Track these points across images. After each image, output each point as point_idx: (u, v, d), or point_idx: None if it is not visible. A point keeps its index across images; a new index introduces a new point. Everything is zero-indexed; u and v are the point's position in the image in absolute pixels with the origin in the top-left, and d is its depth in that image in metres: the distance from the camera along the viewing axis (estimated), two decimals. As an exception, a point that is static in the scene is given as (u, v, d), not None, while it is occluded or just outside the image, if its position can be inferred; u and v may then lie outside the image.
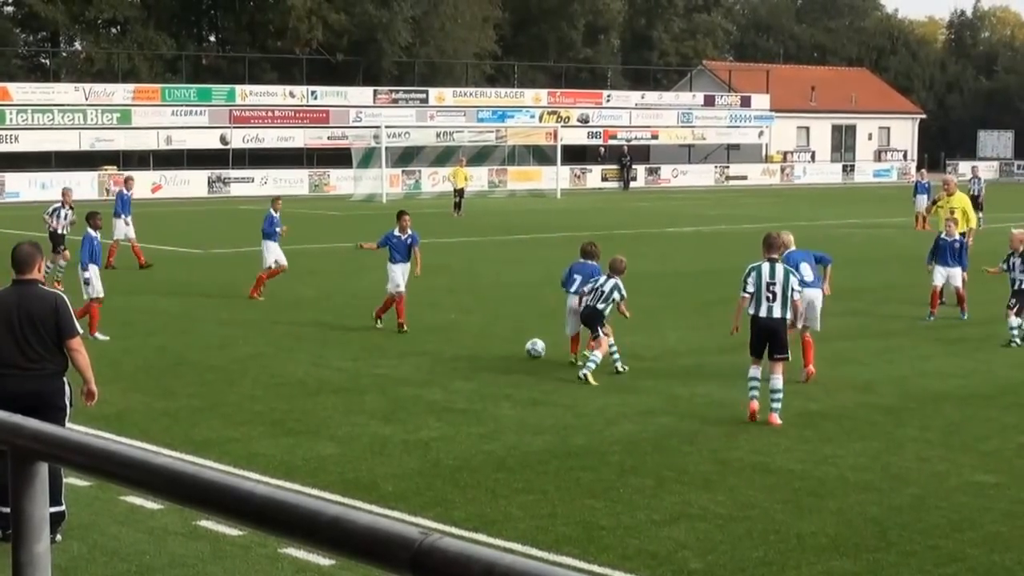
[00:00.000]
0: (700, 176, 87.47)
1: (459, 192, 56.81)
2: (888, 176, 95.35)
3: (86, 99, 71.01)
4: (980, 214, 41.29)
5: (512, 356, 20.54)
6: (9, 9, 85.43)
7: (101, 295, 22.39)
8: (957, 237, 25.22)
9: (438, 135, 78.61)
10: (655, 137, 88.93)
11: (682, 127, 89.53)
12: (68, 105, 70.22)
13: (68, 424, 10.89)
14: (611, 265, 19.54)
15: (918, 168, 72.78)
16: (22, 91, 70.52)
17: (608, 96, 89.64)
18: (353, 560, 2.63)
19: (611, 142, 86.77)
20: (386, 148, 69.78)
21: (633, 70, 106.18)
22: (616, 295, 19.19)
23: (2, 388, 10.92)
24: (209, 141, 73.68)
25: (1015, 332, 21.96)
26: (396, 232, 23.36)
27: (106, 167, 69.69)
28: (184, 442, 14.63)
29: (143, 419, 15.96)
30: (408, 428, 15.47)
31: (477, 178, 71.85)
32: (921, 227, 45.77)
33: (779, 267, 16.51)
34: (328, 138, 77.00)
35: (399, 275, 23.14)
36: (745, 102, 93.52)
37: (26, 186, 66.29)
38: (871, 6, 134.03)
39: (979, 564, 10.76)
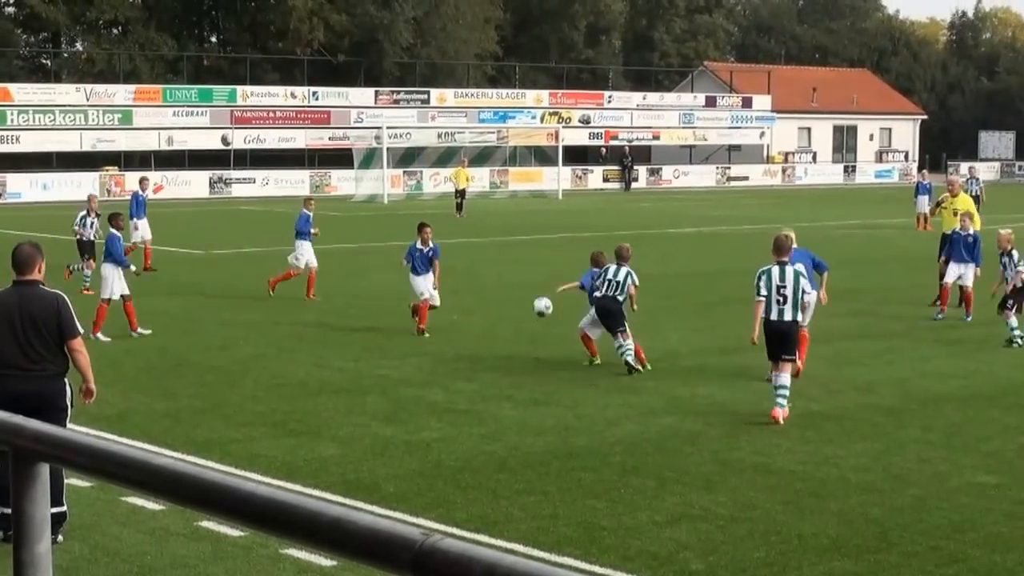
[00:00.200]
0: (701, 177, 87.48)
1: (461, 193, 56.81)
2: (889, 177, 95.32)
3: (87, 100, 71.03)
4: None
5: (514, 357, 20.55)
6: (10, 10, 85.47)
7: (111, 297, 22.32)
8: (972, 231, 25.22)
9: (439, 136, 78.63)
10: (656, 138, 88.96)
11: (683, 128, 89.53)
12: (69, 106, 70.24)
13: (69, 425, 10.90)
14: (618, 253, 19.65)
15: (919, 169, 72.77)
16: (23, 92, 70.54)
17: (609, 97, 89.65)
18: (354, 561, 2.63)
19: (612, 143, 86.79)
20: (387, 149, 69.77)
21: (634, 71, 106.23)
22: (630, 281, 19.43)
23: (3, 389, 10.92)
24: (210, 142, 73.71)
25: (1016, 332, 21.95)
26: (418, 244, 23.33)
27: (107, 168, 69.70)
28: (185, 443, 14.63)
29: (144, 420, 15.96)
30: (409, 429, 15.47)
31: (478, 179, 71.85)
32: (922, 228, 45.74)
33: (788, 269, 16.55)
34: (329, 139, 77.02)
35: (422, 285, 23.16)
36: (746, 103, 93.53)
37: (27, 187, 66.34)
38: (872, 7, 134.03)
39: (980, 565, 10.76)
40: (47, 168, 69.05)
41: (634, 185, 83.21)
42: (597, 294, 19.47)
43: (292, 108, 76.50)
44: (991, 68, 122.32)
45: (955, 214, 28.29)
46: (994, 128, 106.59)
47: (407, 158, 75.65)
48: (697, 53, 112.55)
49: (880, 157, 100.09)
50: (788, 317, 16.38)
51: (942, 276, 27.04)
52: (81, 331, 11.37)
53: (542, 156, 79.20)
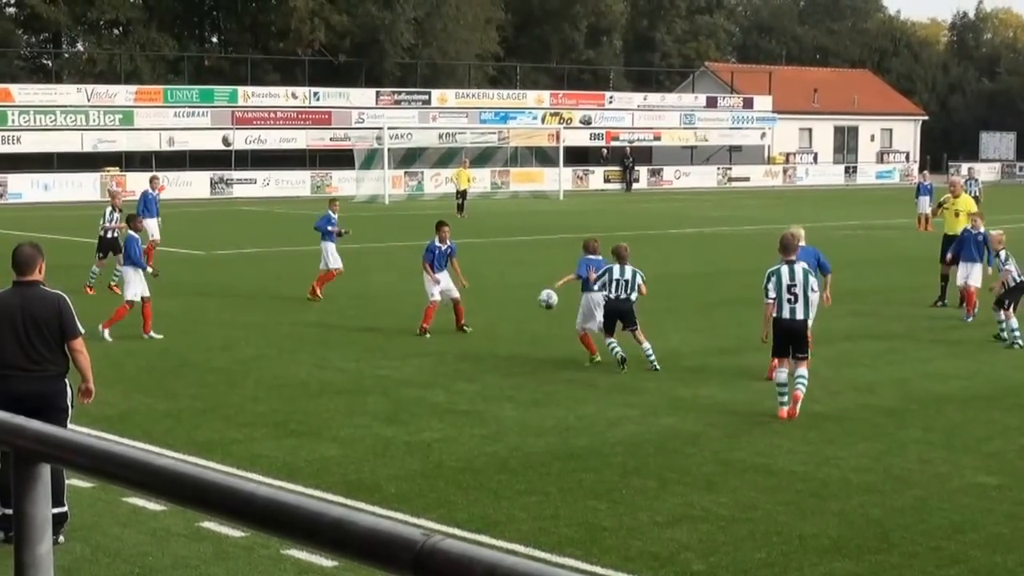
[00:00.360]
0: (702, 177, 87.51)
1: (462, 193, 56.80)
2: (890, 178, 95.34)
3: (88, 100, 71.04)
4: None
5: (515, 357, 20.56)
6: (11, 10, 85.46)
7: (132, 299, 22.41)
8: (982, 230, 25.27)
9: (440, 136, 78.66)
10: (657, 138, 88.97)
11: (684, 128, 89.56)
12: (70, 106, 70.25)
13: (70, 425, 10.89)
14: (619, 254, 19.76)
15: (920, 170, 72.77)
16: (24, 92, 70.54)
17: (610, 97, 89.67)
18: (355, 562, 2.63)
19: (613, 143, 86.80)
20: (388, 149, 69.79)
21: (635, 71, 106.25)
22: (640, 280, 19.66)
23: (5, 390, 10.92)
24: (211, 142, 73.74)
25: (1017, 334, 21.97)
26: (436, 243, 23.39)
27: (108, 168, 69.71)
28: (186, 443, 14.63)
29: (145, 420, 15.97)
30: (411, 430, 15.47)
31: (480, 179, 71.85)
32: (923, 228, 45.74)
33: (798, 268, 16.68)
34: (330, 139, 77.03)
35: (438, 284, 23.23)
36: (747, 103, 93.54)
37: (28, 187, 66.39)
38: (873, 8, 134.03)
39: (981, 566, 10.76)
40: (48, 169, 69.06)
41: (635, 186, 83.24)
42: (607, 295, 19.53)
43: (293, 109, 76.52)
44: (992, 69, 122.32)
45: (956, 215, 28.33)
46: (995, 129, 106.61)
47: (408, 159, 75.68)
48: (698, 54, 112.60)
49: (881, 158, 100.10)
50: (800, 316, 16.53)
51: (944, 277, 27.08)
52: (83, 331, 11.37)
53: (543, 157, 79.19)
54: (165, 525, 11.45)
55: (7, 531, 10.81)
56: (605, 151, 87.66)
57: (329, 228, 27.84)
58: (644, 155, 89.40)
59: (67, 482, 11.07)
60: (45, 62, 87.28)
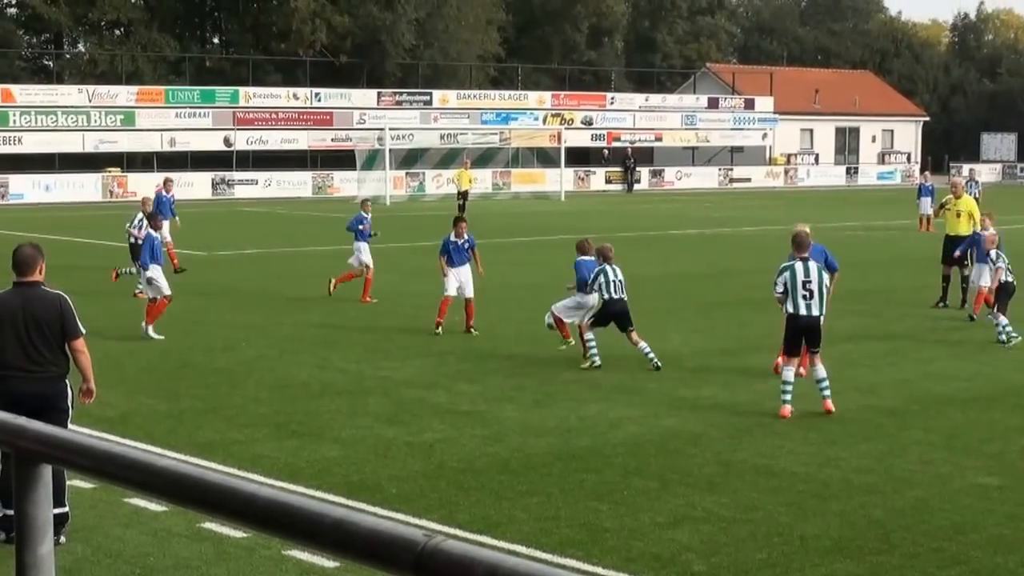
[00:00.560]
0: (704, 178, 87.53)
1: (463, 194, 56.81)
2: (892, 178, 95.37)
3: (89, 101, 71.07)
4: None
5: (516, 358, 20.56)
6: (12, 11, 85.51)
7: (168, 293, 22.70)
8: (992, 230, 25.30)
9: (442, 137, 78.68)
10: (659, 139, 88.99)
11: (686, 129, 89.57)
12: (72, 107, 70.29)
13: (71, 426, 10.89)
14: (605, 254, 19.91)
15: (922, 171, 72.76)
16: (26, 93, 70.59)
17: (612, 98, 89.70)
18: (357, 562, 2.63)
19: (615, 144, 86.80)
20: (390, 150, 69.81)
21: (637, 72, 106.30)
22: (623, 278, 19.86)
23: (6, 391, 10.92)
24: (213, 143, 73.77)
25: (1010, 329, 22.10)
26: (453, 237, 23.58)
27: (110, 169, 69.77)
28: (188, 444, 14.63)
29: (147, 421, 15.96)
30: (412, 430, 15.47)
31: (481, 180, 71.88)
32: (925, 229, 45.72)
33: (812, 265, 16.78)
34: (332, 140, 77.06)
35: (454, 279, 23.43)
36: (749, 104, 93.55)
37: (30, 188, 66.43)
38: (874, 8, 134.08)
39: (982, 566, 10.75)
40: (49, 169, 69.08)
41: (636, 187, 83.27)
42: (606, 296, 19.60)
43: (294, 109, 76.54)
44: (993, 70, 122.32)
45: (958, 216, 28.33)
46: (996, 130, 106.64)
47: (409, 159, 75.71)
48: (699, 55, 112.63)
49: (882, 159, 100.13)
50: (816, 312, 16.63)
51: (945, 278, 27.08)
52: (83, 331, 11.36)
53: (544, 158, 79.21)
54: (166, 526, 11.45)
55: (8, 532, 10.81)
56: (606, 152, 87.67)
57: (360, 228, 27.94)
58: (645, 156, 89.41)
59: (68, 483, 11.06)
60: (46, 63, 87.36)
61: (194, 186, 69.99)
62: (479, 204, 61.28)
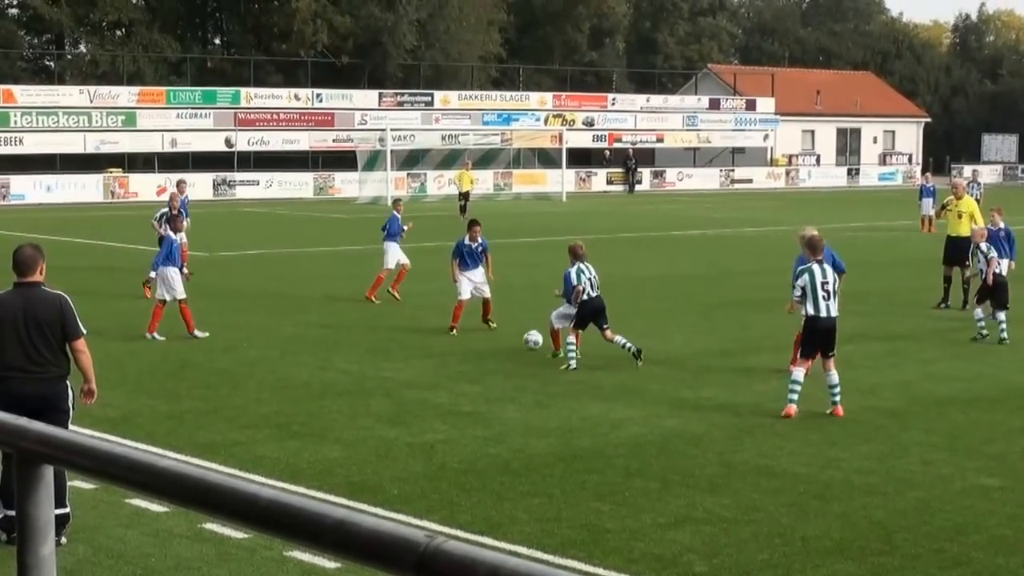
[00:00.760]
0: (705, 179, 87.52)
1: (464, 195, 56.81)
2: (893, 179, 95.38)
3: (91, 101, 71.06)
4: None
5: (517, 359, 20.56)
6: (14, 11, 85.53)
7: (183, 296, 22.60)
8: (1002, 226, 25.36)
9: (443, 138, 78.65)
10: (660, 140, 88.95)
11: (687, 130, 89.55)
12: (73, 107, 70.28)
13: (72, 427, 10.89)
14: (578, 253, 20.09)
15: (923, 172, 72.75)
16: (27, 93, 70.59)
17: (613, 99, 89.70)
18: (358, 563, 2.62)
19: (616, 145, 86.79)
20: (391, 151, 69.80)
21: (638, 73, 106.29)
22: (596, 275, 20.08)
23: (7, 391, 10.91)
24: (214, 144, 73.75)
25: (981, 324, 22.35)
26: (467, 241, 23.70)
27: (111, 170, 69.78)
28: (189, 445, 14.63)
29: (148, 422, 15.97)
30: (413, 431, 15.47)
31: (482, 181, 71.87)
32: (927, 230, 45.73)
33: (827, 267, 17.02)
34: (333, 141, 77.04)
35: (468, 283, 23.52)
36: (750, 105, 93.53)
37: (31, 188, 66.43)
38: (876, 10, 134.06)
39: (984, 567, 10.75)
40: (51, 170, 69.04)
41: (638, 187, 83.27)
42: (590, 294, 19.67)
43: (296, 110, 76.53)
44: (994, 71, 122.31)
45: (959, 216, 28.33)
46: (997, 131, 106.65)
47: (411, 160, 75.68)
48: (701, 55, 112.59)
49: (884, 160, 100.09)
50: (834, 313, 16.84)
51: (947, 279, 27.11)
52: (84, 332, 11.36)
53: (546, 158, 79.18)
54: (168, 526, 11.45)
55: (9, 532, 10.81)
56: (608, 153, 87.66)
57: (404, 229, 28.17)
58: (647, 157, 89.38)
59: (69, 483, 11.06)
60: (48, 63, 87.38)
61: (195, 187, 69.58)
62: (480, 205, 61.23)
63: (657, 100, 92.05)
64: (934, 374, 19.65)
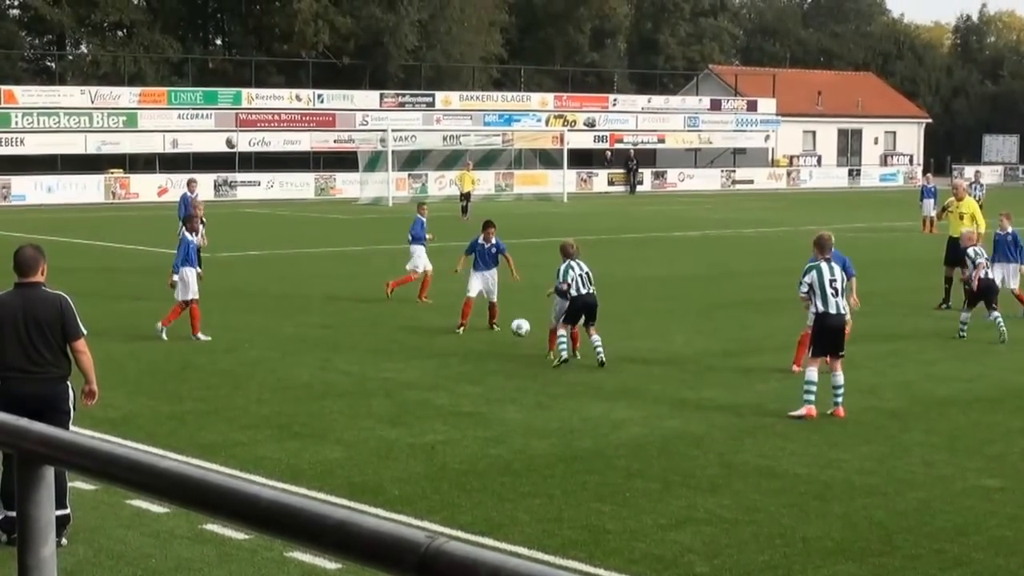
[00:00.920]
0: (706, 180, 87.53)
1: (466, 196, 56.80)
2: (894, 180, 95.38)
3: (92, 102, 71.07)
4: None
5: (518, 359, 20.56)
6: (15, 12, 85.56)
7: (196, 296, 22.60)
8: (1010, 231, 25.38)
9: (444, 139, 78.65)
10: (661, 141, 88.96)
11: (688, 131, 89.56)
12: (74, 108, 70.29)
13: (73, 428, 10.88)
14: (568, 251, 20.14)
15: (924, 172, 72.75)
16: (28, 94, 70.60)
17: (614, 100, 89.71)
18: (359, 564, 2.62)
19: (617, 146, 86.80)
20: (392, 152, 69.80)
21: (639, 74, 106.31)
22: (588, 271, 20.14)
23: (7, 392, 10.91)
24: (215, 144, 73.75)
25: (964, 328, 22.70)
26: (481, 240, 23.72)
27: (112, 170, 69.79)
28: (190, 446, 14.63)
29: (149, 423, 15.96)
30: (414, 432, 15.46)
31: (484, 182, 71.89)
32: (928, 231, 45.73)
33: (834, 265, 17.08)
34: (334, 141, 77.05)
35: (478, 282, 23.60)
36: (751, 106, 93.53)
37: (32, 189, 66.43)
38: (877, 11, 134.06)
39: (984, 568, 10.75)
40: (52, 170, 69.05)
41: (639, 188, 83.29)
42: (580, 291, 19.72)
43: (297, 111, 76.55)
44: (995, 72, 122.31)
45: (960, 217, 28.33)
46: (998, 132, 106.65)
47: (412, 161, 75.69)
48: (702, 56, 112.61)
49: (885, 160, 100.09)
50: (843, 310, 16.95)
51: (948, 280, 27.11)
52: (85, 332, 11.36)
53: (547, 159, 79.18)
54: (168, 527, 11.45)
55: (10, 533, 10.82)
56: (609, 153, 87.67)
57: (427, 237, 28.01)
58: (648, 157, 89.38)
59: (70, 484, 11.06)
60: (49, 64, 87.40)
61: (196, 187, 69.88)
62: (482, 206, 61.20)
63: (658, 101, 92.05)
64: (935, 375, 19.65)
